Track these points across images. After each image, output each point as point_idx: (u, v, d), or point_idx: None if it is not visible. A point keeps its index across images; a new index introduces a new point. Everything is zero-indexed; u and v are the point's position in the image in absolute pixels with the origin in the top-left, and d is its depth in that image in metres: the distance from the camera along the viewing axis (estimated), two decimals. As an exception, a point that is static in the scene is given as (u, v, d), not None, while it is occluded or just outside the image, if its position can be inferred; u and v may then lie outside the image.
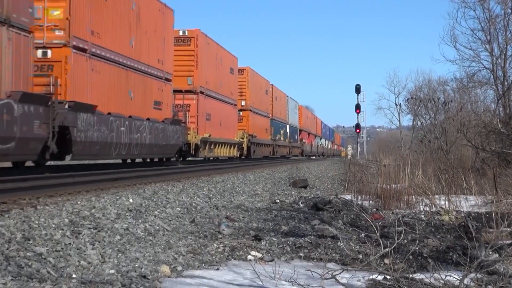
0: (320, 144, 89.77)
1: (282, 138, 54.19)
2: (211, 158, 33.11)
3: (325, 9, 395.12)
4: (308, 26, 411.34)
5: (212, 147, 31.16)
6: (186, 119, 27.05)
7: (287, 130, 57.23)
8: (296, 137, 63.06)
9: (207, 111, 30.12)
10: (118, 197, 11.12)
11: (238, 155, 38.20)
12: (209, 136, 29.95)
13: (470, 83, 31.63)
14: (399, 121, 74.89)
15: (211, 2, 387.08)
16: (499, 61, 27.74)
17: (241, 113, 39.97)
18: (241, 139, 38.33)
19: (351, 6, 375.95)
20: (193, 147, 27.39)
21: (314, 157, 74.01)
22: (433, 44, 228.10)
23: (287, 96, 58.45)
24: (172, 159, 25.68)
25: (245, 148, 39.43)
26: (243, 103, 40.30)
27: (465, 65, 30.36)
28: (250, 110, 41.53)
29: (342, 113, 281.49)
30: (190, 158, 29.28)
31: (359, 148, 66.79)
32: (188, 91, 28.30)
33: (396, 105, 72.61)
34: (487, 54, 28.90)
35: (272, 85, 50.66)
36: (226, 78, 34.79)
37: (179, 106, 27.48)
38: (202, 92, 29.19)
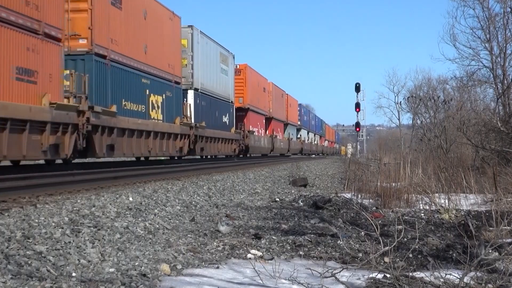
0: (299, 138, 64.69)
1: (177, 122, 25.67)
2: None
3: (325, 8, 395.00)
4: (308, 25, 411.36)
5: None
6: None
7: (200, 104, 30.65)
8: (229, 121, 35.37)
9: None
10: (118, 196, 11.12)
11: None
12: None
13: (470, 82, 31.66)
14: (398, 119, 74.95)
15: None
16: (499, 59, 27.77)
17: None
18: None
19: (351, 5, 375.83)
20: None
21: (282, 155, 55.35)
22: (432, 42, 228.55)
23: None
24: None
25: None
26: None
27: (465, 63, 30.42)
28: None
29: (342, 111, 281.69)
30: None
31: (359, 146, 66.78)
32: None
33: (396, 103, 72.78)
34: (486, 52, 28.96)
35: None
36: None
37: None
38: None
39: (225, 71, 34.01)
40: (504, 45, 27.24)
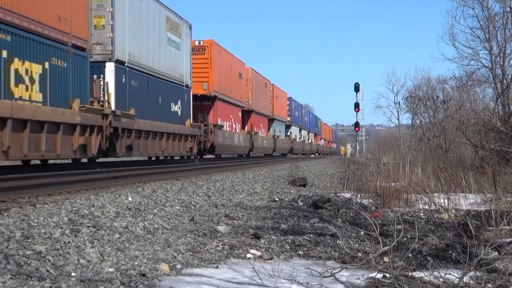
0: (288, 136, 57.52)
1: (75, 107, 16.63)
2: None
3: (325, 8, 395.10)
4: (307, 25, 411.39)
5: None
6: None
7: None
8: (182, 111, 26.41)
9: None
10: (117, 196, 11.12)
11: None
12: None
13: (469, 82, 31.71)
14: (398, 119, 75.14)
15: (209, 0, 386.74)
16: (498, 59, 27.80)
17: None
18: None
19: (350, 5, 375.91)
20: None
21: (268, 155, 48.54)
22: (432, 42, 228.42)
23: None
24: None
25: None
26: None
27: (464, 63, 30.47)
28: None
29: (341, 111, 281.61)
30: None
31: (358, 146, 66.77)
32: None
33: (395, 103, 72.93)
34: (486, 52, 28.99)
35: None
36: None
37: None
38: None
39: (176, 43, 25.17)
40: (504, 44, 27.28)
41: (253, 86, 41.42)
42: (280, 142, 51.48)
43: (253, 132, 41.11)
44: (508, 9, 26.01)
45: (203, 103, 30.96)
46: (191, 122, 26.76)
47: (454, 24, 46.46)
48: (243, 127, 39.51)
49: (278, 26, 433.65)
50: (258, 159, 38.58)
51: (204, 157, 31.16)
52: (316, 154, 78.52)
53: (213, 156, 35.24)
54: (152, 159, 25.01)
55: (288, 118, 57.74)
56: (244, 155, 40.92)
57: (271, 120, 49.27)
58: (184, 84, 26.14)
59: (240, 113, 38.00)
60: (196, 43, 30.28)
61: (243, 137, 38.39)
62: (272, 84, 49.55)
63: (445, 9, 76.90)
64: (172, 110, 24.59)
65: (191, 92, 27.29)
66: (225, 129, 33.55)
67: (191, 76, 27.35)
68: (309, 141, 72.38)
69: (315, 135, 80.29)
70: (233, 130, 35.78)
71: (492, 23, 28.21)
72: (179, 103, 25.53)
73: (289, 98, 59.12)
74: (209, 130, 29.43)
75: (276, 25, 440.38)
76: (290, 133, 58.74)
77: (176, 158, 26.95)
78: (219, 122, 32.10)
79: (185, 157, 27.62)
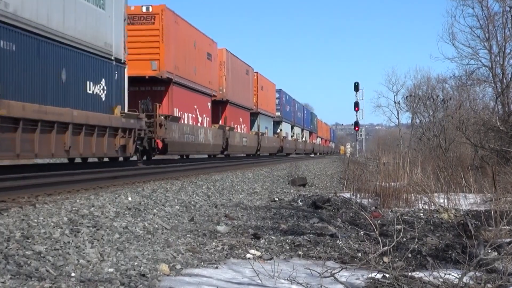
0: (278, 133, 50.52)
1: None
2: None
3: (324, 7, 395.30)
4: (306, 25, 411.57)
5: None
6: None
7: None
8: (109, 95, 18.06)
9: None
10: (117, 196, 11.12)
11: None
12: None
13: (469, 81, 31.71)
14: (398, 119, 75.14)
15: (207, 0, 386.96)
16: (498, 58, 27.79)
17: None
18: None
19: (350, 4, 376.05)
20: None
21: (251, 155, 41.01)
22: (431, 42, 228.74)
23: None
24: None
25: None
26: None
27: (464, 63, 30.45)
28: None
29: (341, 111, 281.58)
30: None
31: (358, 146, 66.75)
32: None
33: (395, 103, 72.95)
34: (485, 51, 28.98)
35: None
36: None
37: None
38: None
39: None
40: (503, 44, 27.29)
41: (228, 71, 33.16)
42: (266, 140, 44.15)
43: (227, 127, 32.73)
44: (508, 8, 26.04)
45: (154, 88, 23.97)
46: (125, 110, 18.81)
47: (454, 24, 46.43)
48: (215, 122, 31.73)
49: (278, 26, 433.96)
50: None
51: (154, 158, 23.64)
52: (312, 154, 73.31)
53: (177, 157, 29.28)
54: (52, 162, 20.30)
55: (278, 114, 50.92)
56: (212, 156, 33.02)
57: (254, 115, 41.70)
58: (112, 58, 18.28)
59: (209, 104, 29.93)
60: (143, 9, 23.23)
61: (213, 133, 29.99)
62: (256, 72, 41.89)
63: (445, 9, 77.08)
64: (90, 92, 16.88)
65: (125, 69, 19.21)
66: (185, 121, 26.06)
67: (125, 48, 19.20)
68: (303, 139, 66.52)
69: (311, 133, 75.01)
70: (199, 124, 28.13)
71: (491, 23, 28.21)
72: (102, 83, 17.71)
73: (279, 91, 51.85)
74: (157, 122, 21.90)
75: (275, 25, 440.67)
76: (280, 130, 51.91)
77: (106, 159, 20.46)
78: (177, 113, 24.87)
79: (122, 159, 20.78)
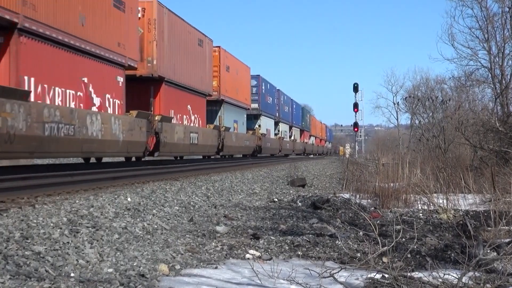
0: (254, 130, 40.26)
1: None
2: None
3: (324, 7, 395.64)
4: (305, 26, 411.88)
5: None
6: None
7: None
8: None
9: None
10: (116, 196, 11.12)
11: None
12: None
13: (468, 82, 31.70)
14: (397, 119, 75.13)
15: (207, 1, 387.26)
16: (497, 59, 27.79)
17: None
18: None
19: (349, 5, 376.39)
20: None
21: (206, 157, 31.44)
22: (431, 42, 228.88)
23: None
24: None
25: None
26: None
27: (463, 63, 30.42)
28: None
29: (340, 112, 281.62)
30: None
31: (357, 147, 66.74)
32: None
33: (394, 103, 72.95)
34: (485, 52, 28.97)
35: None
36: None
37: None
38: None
39: None
40: (503, 44, 27.28)
41: (160, 34, 21.69)
42: (233, 137, 33.13)
43: (151, 117, 20.07)
44: (507, 9, 26.03)
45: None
46: None
47: (453, 24, 46.32)
48: (134, 107, 19.57)
49: (278, 28, 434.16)
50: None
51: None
52: (304, 154, 66.44)
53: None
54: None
55: (254, 105, 41.14)
56: (143, 157, 21.41)
57: (215, 103, 31.45)
58: None
59: (121, 80, 18.39)
60: None
61: (120, 124, 17.38)
62: (218, 47, 31.32)
63: (444, 9, 77.06)
64: None
65: None
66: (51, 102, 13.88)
67: None
68: (292, 138, 57.88)
69: (302, 131, 65.89)
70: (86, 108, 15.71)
71: (491, 23, 28.21)
72: None
73: (256, 77, 41.94)
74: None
75: (275, 27, 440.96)
76: (258, 126, 42.37)
77: None
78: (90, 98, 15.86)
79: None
